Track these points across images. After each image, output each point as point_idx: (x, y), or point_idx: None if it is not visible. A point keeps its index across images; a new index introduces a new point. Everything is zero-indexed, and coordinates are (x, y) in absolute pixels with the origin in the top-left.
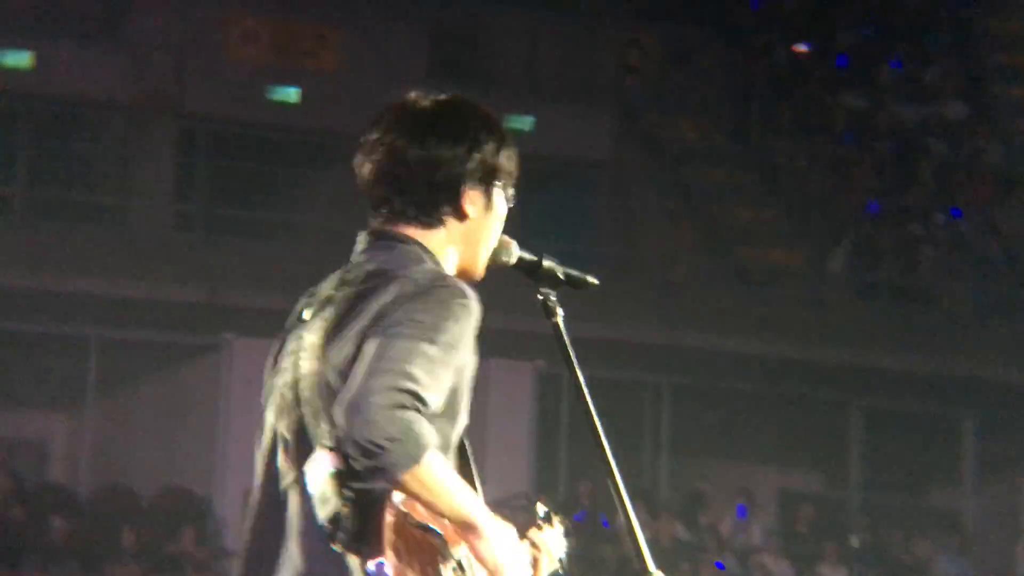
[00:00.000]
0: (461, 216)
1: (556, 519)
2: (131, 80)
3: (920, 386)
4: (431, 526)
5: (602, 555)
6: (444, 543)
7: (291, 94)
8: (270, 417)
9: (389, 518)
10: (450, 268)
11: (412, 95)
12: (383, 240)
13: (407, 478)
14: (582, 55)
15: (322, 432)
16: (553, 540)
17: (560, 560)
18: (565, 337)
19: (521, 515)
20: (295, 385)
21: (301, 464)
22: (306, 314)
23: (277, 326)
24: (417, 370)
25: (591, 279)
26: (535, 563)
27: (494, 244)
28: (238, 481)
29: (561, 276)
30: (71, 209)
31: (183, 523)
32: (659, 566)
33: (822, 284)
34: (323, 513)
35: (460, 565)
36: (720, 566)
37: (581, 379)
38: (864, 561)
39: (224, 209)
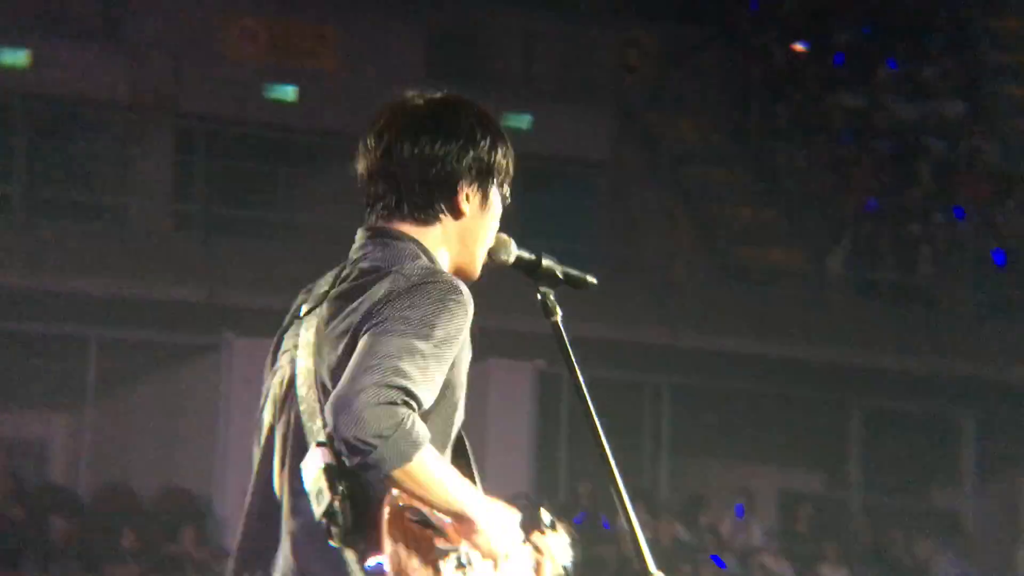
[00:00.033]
0: (457, 214)
1: (562, 527)
2: (129, 79)
3: (920, 386)
4: (430, 521)
5: (602, 556)
6: (444, 538)
7: (289, 93)
8: (267, 415)
9: (387, 512)
10: (446, 266)
11: (408, 94)
12: (379, 237)
13: (399, 475)
14: (581, 55)
15: (317, 429)
16: (558, 546)
17: (565, 568)
18: (564, 337)
19: (522, 515)
20: (291, 382)
21: (297, 462)
22: (303, 310)
23: (277, 326)
24: (407, 366)
25: (590, 278)
26: (538, 566)
27: (491, 243)
28: (238, 481)
29: (560, 275)
30: (69, 209)
31: (183, 523)
32: (659, 567)
33: (821, 284)
34: (319, 509)
35: (460, 561)
36: (718, 562)
37: (581, 379)
38: (865, 561)
39: (223, 208)
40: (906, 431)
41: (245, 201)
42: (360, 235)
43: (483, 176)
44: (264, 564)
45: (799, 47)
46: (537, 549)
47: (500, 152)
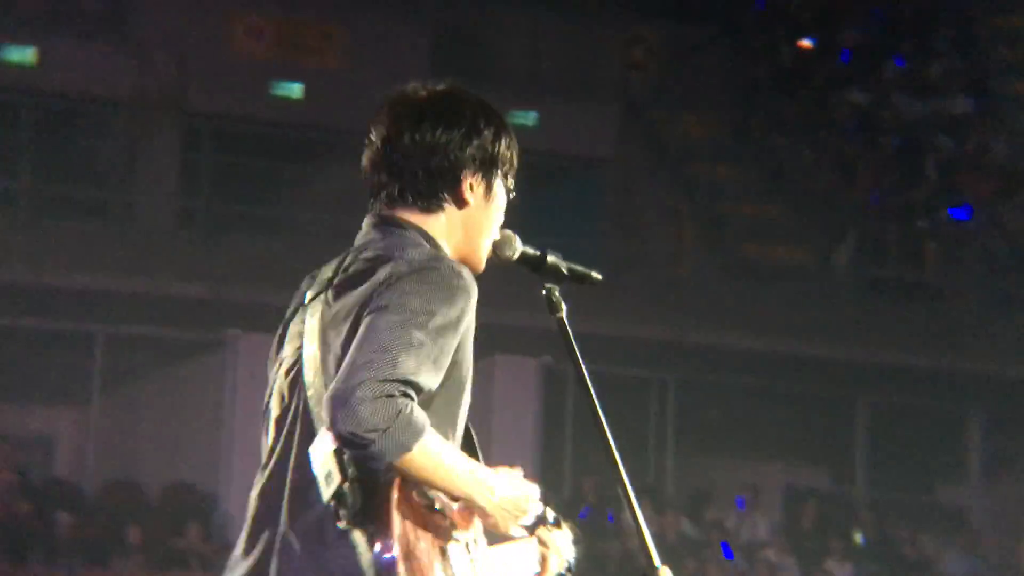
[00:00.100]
0: (461, 203)
1: (566, 525)
2: (135, 77)
3: (927, 382)
4: (437, 506)
5: (608, 551)
6: (451, 522)
7: (295, 91)
8: (274, 403)
9: (396, 495)
10: (450, 256)
11: (409, 86)
12: (384, 225)
13: (401, 465)
14: (586, 51)
15: (325, 415)
16: (562, 542)
17: (568, 565)
18: (569, 332)
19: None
20: (298, 369)
21: (306, 447)
22: (308, 296)
23: (281, 322)
24: (405, 355)
25: (595, 274)
26: (544, 560)
27: (496, 235)
28: (243, 476)
29: (565, 271)
30: (75, 206)
31: (188, 518)
32: (665, 562)
33: (827, 280)
34: (328, 491)
35: (467, 545)
36: (727, 551)
37: (586, 374)
38: (870, 557)
39: (228, 205)
40: (912, 427)
41: (250, 198)
42: (365, 223)
43: (487, 166)
44: (269, 549)
45: (805, 44)
46: (542, 543)
47: (504, 143)
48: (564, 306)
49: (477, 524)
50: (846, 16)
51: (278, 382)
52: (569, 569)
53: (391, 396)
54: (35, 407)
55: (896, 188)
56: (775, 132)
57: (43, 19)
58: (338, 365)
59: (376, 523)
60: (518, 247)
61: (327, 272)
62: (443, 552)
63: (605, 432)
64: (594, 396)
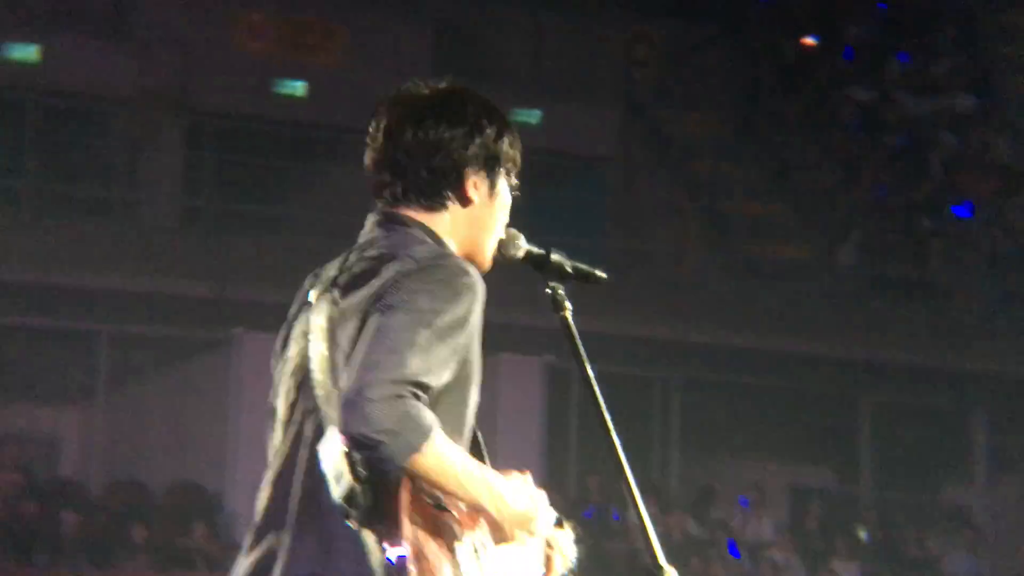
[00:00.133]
0: (465, 201)
1: (568, 525)
2: (138, 75)
3: (931, 381)
4: (446, 507)
5: (613, 550)
6: (459, 524)
7: (299, 89)
8: (280, 402)
9: (406, 496)
10: (456, 253)
11: (411, 84)
12: (388, 223)
13: (410, 466)
14: (589, 50)
15: (334, 414)
16: (565, 542)
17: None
18: (574, 331)
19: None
20: (306, 368)
21: (313, 446)
22: (312, 295)
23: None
24: (413, 354)
25: (599, 273)
26: (548, 561)
27: (500, 233)
28: (249, 475)
29: (569, 270)
30: (79, 204)
31: (194, 517)
32: (670, 561)
33: (831, 279)
34: (338, 491)
35: (475, 546)
36: (733, 549)
37: (590, 373)
38: (874, 557)
39: (232, 204)
40: (917, 426)
41: (254, 196)
42: (369, 221)
43: (490, 164)
44: (276, 548)
45: (809, 41)
46: (548, 544)
47: (507, 141)
48: (569, 305)
49: (483, 524)
50: (849, 14)
51: (284, 381)
52: (571, 570)
53: (400, 397)
54: (40, 406)
55: (899, 186)
56: (778, 130)
57: (46, 17)
58: (347, 363)
59: (386, 523)
60: (523, 246)
61: (331, 271)
62: (452, 553)
63: (610, 431)
64: (599, 395)
